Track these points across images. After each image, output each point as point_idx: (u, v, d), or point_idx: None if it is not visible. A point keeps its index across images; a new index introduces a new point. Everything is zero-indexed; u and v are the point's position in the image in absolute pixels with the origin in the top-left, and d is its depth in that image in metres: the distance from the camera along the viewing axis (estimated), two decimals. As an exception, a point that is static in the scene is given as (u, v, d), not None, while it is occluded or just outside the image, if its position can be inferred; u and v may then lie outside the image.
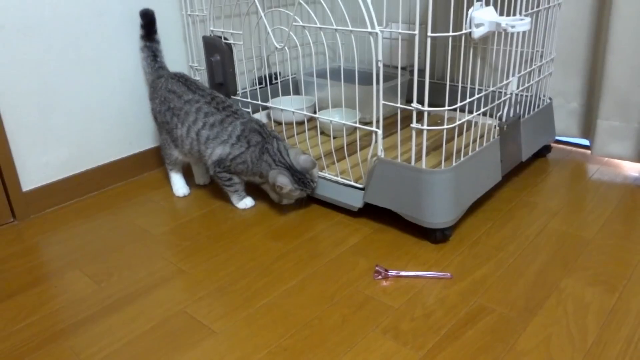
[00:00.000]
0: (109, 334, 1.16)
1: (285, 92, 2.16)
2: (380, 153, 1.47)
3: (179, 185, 1.77)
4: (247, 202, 1.66)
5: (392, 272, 1.31)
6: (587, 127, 1.95)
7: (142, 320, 1.20)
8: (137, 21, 1.78)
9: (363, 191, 1.53)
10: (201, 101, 1.59)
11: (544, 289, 1.25)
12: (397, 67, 2.15)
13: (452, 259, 1.37)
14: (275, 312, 1.20)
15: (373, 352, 1.08)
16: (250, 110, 1.77)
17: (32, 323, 1.20)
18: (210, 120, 1.57)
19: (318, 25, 1.49)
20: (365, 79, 1.68)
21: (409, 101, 1.42)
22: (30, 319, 1.21)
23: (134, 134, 1.89)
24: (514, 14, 1.51)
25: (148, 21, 1.75)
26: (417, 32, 1.29)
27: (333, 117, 1.62)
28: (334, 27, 1.46)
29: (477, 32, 1.34)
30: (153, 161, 1.96)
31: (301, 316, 1.19)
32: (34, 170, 1.66)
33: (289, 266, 1.37)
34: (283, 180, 1.50)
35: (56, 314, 1.23)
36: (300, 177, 1.53)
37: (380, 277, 1.31)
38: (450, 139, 1.69)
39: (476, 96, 1.48)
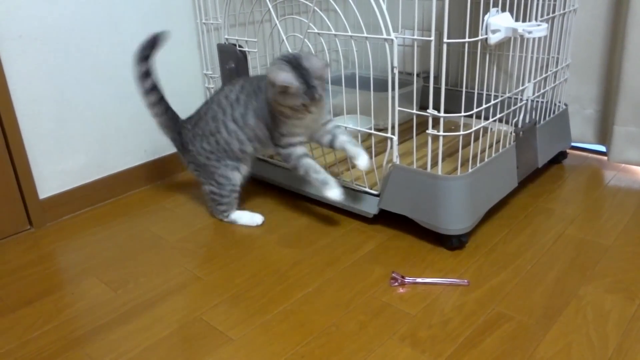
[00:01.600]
0: (126, 341, 1.16)
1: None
2: (396, 159, 1.47)
3: (249, 216, 1.62)
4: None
5: (408, 279, 1.30)
6: (604, 133, 1.93)
7: (159, 327, 1.20)
8: (152, 29, 1.79)
9: (378, 197, 1.53)
10: (215, 96, 1.53)
11: (563, 296, 1.23)
12: (409, 74, 2.15)
13: (468, 266, 1.36)
14: (291, 319, 1.20)
15: (391, 359, 1.07)
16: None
17: (49, 330, 1.21)
18: (232, 96, 1.48)
19: (333, 32, 1.49)
20: (379, 85, 1.69)
21: (423, 107, 1.42)
22: (48, 327, 1.22)
23: (149, 141, 1.90)
24: (529, 20, 1.51)
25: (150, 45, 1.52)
26: (432, 38, 1.29)
27: (347, 123, 1.61)
28: (349, 33, 1.46)
29: (494, 38, 1.34)
30: (168, 169, 1.96)
31: (318, 323, 1.18)
32: (51, 178, 1.68)
33: (305, 273, 1.36)
34: (283, 76, 1.31)
35: (73, 321, 1.23)
36: (305, 73, 1.33)
37: (396, 284, 1.30)
38: (465, 145, 1.68)
39: (492, 102, 1.47)
